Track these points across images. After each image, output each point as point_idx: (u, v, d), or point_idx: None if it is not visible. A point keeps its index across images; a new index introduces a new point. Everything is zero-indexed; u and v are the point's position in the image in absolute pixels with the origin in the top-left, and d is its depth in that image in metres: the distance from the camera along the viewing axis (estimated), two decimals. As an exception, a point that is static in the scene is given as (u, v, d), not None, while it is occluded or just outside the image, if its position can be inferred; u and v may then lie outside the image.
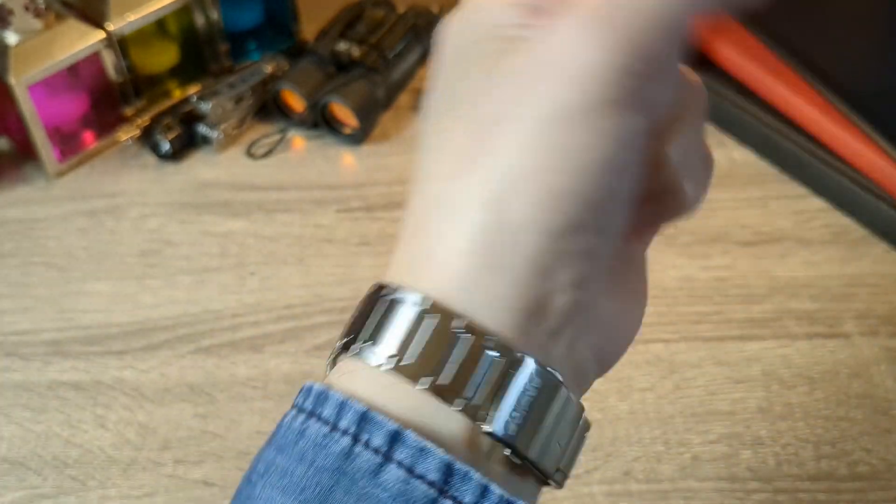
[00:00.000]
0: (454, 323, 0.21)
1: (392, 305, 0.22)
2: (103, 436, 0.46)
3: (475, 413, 0.21)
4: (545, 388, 0.22)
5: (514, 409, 0.21)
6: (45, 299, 0.52)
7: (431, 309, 0.22)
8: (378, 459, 0.20)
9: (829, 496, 0.43)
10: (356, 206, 0.58)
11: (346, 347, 0.23)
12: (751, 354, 0.49)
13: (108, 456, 0.45)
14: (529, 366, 0.22)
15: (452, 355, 0.21)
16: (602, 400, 0.47)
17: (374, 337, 0.22)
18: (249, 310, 0.52)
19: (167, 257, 0.55)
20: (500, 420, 0.21)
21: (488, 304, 0.22)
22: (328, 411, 0.21)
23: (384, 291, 0.23)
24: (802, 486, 0.43)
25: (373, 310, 0.23)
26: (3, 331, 0.51)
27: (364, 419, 0.21)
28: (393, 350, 0.22)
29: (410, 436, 0.20)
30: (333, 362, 0.24)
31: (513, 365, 0.21)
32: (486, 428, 0.21)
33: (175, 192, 0.59)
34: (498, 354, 0.21)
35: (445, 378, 0.21)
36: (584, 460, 0.44)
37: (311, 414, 0.22)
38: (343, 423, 0.21)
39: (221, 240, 0.56)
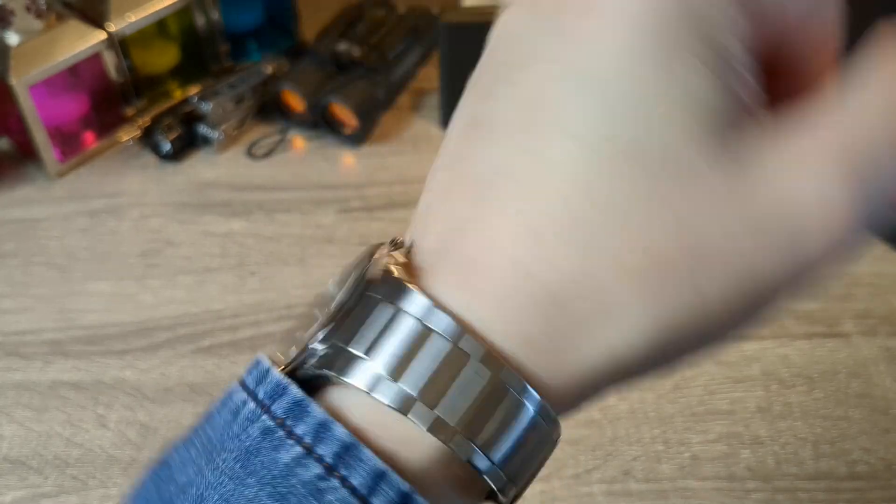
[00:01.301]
0: (503, 375, 0.19)
1: (405, 321, 0.19)
2: (104, 435, 0.46)
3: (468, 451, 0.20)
4: (546, 441, 0.22)
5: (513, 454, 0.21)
6: (46, 299, 0.53)
7: (484, 360, 0.19)
8: None
9: (828, 495, 0.43)
10: (356, 206, 0.58)
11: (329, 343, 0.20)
12: (750, 354, 0.49)
13: (110, 455, 0.46)
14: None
15: (495, 415, 0.20)
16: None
17: (371, 350, 0.19)
18: (250, 310, 0.52)
19: (168, 257, 0.55)
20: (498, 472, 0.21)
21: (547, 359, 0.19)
22: (302, 428, 0.20)
23: (394, 292, 0.19)
24: (801, 485, 0.43)
25: (371, 312, 0.20)
26: (5, 330, 0.51)
27: (351, 455, 0.19)
28: (412, 391, 0.19)
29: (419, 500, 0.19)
30: (303, 352, 0.21)
31: (520, 409, 0.20)
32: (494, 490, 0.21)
33: (176, 193, 0.59)
34: (535, 414, 0.20)
35: (483, 441, 0.20)
36: (584, 460, 0.44)
37: (282, 425, 0.20)
38: (323, 453, 0.19)
39: (222, 240, 0.56)
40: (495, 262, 0.19)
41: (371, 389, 0.19)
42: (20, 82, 0.55)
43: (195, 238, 0.56)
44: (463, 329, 0.19)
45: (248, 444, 0.20)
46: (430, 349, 0.19)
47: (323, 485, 0.19)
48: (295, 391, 0.20)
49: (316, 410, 0.20)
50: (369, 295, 0.20)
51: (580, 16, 0.19)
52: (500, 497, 0.22)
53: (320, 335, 0.20)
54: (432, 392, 0.19)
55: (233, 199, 0.58)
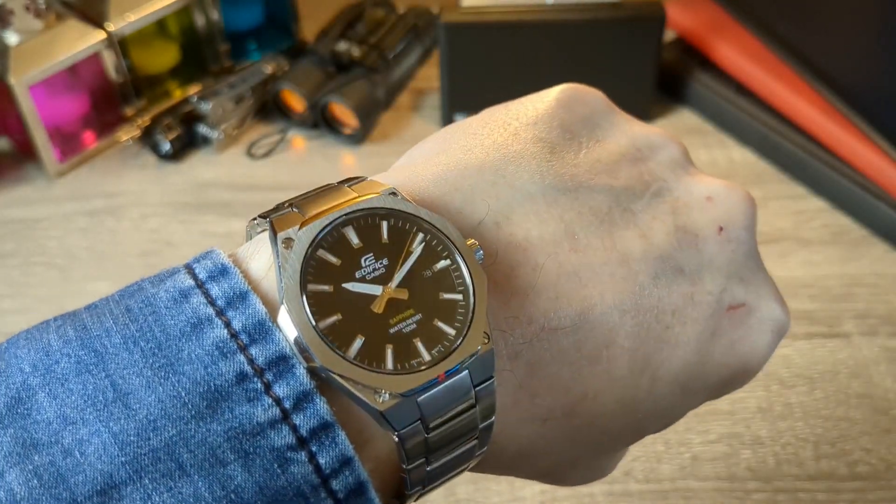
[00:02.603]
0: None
1: None
2: (104, 436, 0.46)
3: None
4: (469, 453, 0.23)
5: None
6: (45, 299, 0.53)
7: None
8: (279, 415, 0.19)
9: (828, 496, 0.43)
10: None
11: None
12: (750, 354, 0.49)
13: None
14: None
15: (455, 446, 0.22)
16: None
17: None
18: (250, 310, 0.52)
19: (168, 257, 0.55)
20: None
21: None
22: (283, 389, 0.19)
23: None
24: (802, 485, 0.43)
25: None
26: (4, 331, 0.51)
27: (327, 435, 0.19)
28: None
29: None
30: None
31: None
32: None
33: (175, 193, 0.59)
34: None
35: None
36: (583, 460, 0.44)
37: (260, 376, 0.20)
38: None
39: (222, 240, 0.56)
40: (549, 403, 0.24)
41: (405, 443, 0.20)
42: (20, 82, 0.55)
43: (195, 238, 0.56)
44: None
45: (217, 382, 0.19)
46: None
47: (291, 455, 0.19)
48: (280, 341, 0.20)
49: (302, 376, 0.20)
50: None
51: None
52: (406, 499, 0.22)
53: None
54: (436, 455, 0.21)
55: (233, 199, 0.58)
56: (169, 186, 0.59)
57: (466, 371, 0.21)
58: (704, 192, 0.27)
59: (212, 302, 0.20)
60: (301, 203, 0.22)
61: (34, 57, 0.56)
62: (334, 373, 0.20)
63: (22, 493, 0.18)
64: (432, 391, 0.21)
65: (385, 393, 0.20)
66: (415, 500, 0.23)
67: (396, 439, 0.20)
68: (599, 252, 0.24)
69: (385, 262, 0.22)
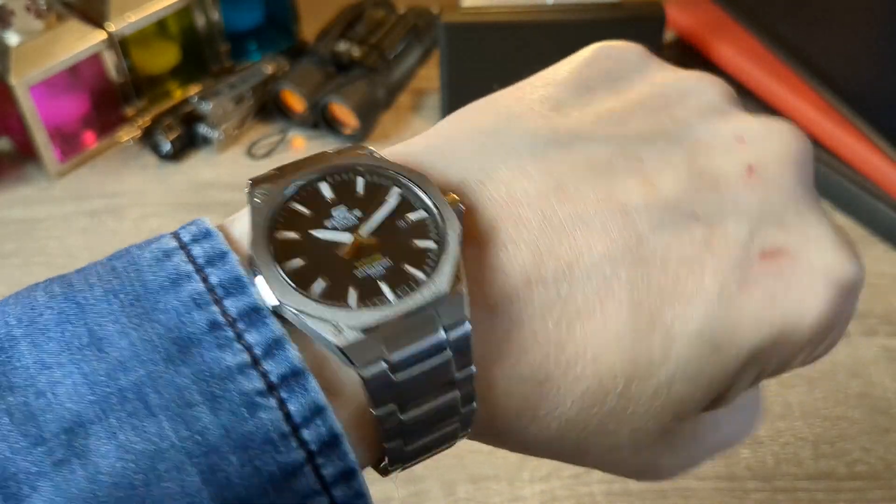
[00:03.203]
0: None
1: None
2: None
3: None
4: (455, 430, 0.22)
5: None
6: (46, 299, 0.53)
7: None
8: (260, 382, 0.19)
9: (827, 495, 0.43)
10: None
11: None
12: (750, 354, 0.49)
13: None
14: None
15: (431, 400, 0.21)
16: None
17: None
18: (250, 309, 0.52)
19: (168, 257, 0.55)
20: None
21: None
22: (254, 336, 0.19)
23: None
24: (801, 485, 0.43)
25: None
26: (5, 331, 0.51)
27: (297, 381, 0.19)
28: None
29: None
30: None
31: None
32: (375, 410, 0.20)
33: (176, 193, 0.59)
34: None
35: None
36: (583, 460, 0.44)
37: (232, 325, 0.19)
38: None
39: (222, 240, 0.56)
40: (539, 358, 0.22)
41: (369, 383, 0.19)
42: (20, 82, 0.55)
43: (195, 238, 0.56)
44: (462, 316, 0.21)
45: (190, 329, 0.19)
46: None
47: (259, 400, 0.19)
48: (253, 293, 0.20)
49: (274, 324, 0.19)
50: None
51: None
52: (388, 464, 0.22)
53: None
54: (410, 405, 0.20)
55: (233, 199, 0.58)
56: (169, 186, 0.59)
57: (434, 311, 0.20)
58: (735, 132, 0.24)
59: (192, 260, 0.20)
60: (285, 166, 0.23)
61: (35, 57, 0.56)
62: (293, 307, 0.19)
63: None
64: (395, 326, 0.20)
65: (345, 328, 0.19)
66: (400, 467, 0.22)
67: (360, 379, 0.19)
68: (591, 202, 0.22)
69: (357, 213, 0.22)
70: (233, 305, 0.20)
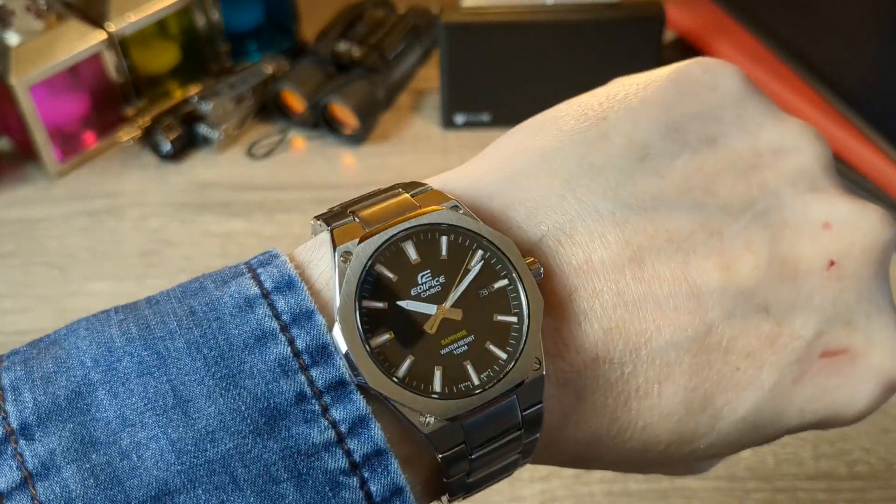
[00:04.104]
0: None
1: None
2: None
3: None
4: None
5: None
6: (46, 299, 0.53)
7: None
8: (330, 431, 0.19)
9: (827, 495, 0.43)
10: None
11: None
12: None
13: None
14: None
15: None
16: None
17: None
18: (250, 310, 0.52)
19: (168, 257, 0.55)
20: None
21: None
22: (340, 412, 0.19)
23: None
24: (801, 485, 0.43)
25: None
26: (5, 330, 0.51)
27: (379, 461, 0.19)
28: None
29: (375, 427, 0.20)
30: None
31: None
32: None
33: (176, 193, 0.59)
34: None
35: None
36: (583, 460, 0.44)
37: (318, 398, 0.20)
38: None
39: (222, 240, 0.56)
40: (594, 428, 0.23)
41: (446, 465, 0.20)
42: (20, 82, 0.55)
43: (195, 238, 0.56)
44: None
45: (277, 400, 0.19)
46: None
47: (343, 479, 0.19)
48: (341, 368, 0.20)
49: (359, 401, 0.20)
50: None
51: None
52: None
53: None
54: (478, 471, 0.21)
55: (233, 199, 0.58)
56: (169, 186, 0.59)
57: (515, 396, 0.21)
58: (823, 216, 0.23)
59: (277, 316, 0.20)
60: (362, 212, 0.22)
61: (35, 57, 0.56)
62: (380, 392, 0.20)
63: (77, 491, 0.18)
64: (478, 416, 0.20)
65: (430, 417, 0.20)
66: (460, 500, 0.23)
67: (440, 459, 0.20)
68: (667, 282, 0.22)
69: (442, 279, 0.21)
70: (319, 377, 0.20)
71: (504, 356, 0.21)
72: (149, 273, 0.54)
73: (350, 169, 0.61)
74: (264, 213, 0.57)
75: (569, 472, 0.44)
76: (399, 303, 0.21)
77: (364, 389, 0.20)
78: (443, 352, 0.21)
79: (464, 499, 0.23)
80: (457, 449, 0.20)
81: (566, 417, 0.22)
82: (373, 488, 0.19)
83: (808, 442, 0.45)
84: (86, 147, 0.61)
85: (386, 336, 0.20)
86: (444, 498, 0.22)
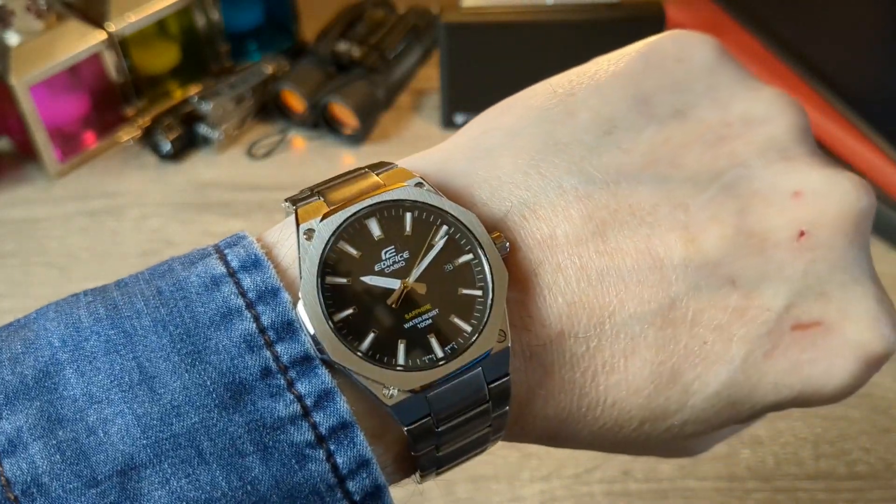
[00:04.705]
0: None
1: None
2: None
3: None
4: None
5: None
6: (46, 299, 0.52)
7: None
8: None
9: (827, 495, 0.43)
10: (356, 206, 0.58)
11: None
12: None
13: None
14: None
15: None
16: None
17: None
18: (250, 309, 0.52)
19: (168, 257, 0.55)
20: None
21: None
22: (305, 386, 0.20)
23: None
24: (801, 485, 0.43)
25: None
26: (5, 331, 0.51)
27: (345, 434, 0.20)
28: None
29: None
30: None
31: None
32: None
33: (176, 193, 0.59)
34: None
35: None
36: (583, 459, 0.44)
37: (284, 373, 0.20)
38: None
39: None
40: (564, 404, 0.23)
41: (412, 436, 0.21)
42: (20, 82, 0.55)
43: (195, 238, 0.56)
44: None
45: (242, 375, 0.19)
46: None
47: (309, 452, 0.19)
48: (305, 342, 0.20)
49: (324, 375, 0.20)
50: None
51: None
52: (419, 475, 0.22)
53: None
54: (447, 444, 0.21)
55: (233, 199, 0.58)
56: (169, 186, 0.59)
57: (479, 368, 0.21)
58: (794, 185, 0.23)
59: (243, 293, 0.20)
60: (327, 191, 0.22)
61: (35, 57, 0.56)
62: (343, 365, 0.20)
63: (44, 467, 0.18)
64: (442, 388, 0.21)
65: (393, 388, 0.20)
66: (433, 477, 0.23)
67: (405, 432, 0.20)
68: (630, 256, 0.22)
69: (406, 254, 0.22)
70: (285, 352, 0.20)
71: (468, 329, 0.21)
72: (149, 273, 0.54)
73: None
74: (264, 213, 0.57)
75: (569, 471, 0.44)
76: (362, 278, 0.21)
77: (329, 364, 0.20)
78: (406, 325, 0.21)
79: (436, 475, 0.23)
80: (422, 421, 0.20)
81: (533, 392, 0.22)
82: (339, 460, 0.19)
83: (808, 442, 0.45)
84: (86, 147, 0.61)
85: (349, 311, 0.21)
86: (417, 475, 0.22)
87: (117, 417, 0.18)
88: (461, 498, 0.43)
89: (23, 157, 0.61)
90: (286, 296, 0.20)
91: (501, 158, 0.23)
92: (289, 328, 0.20)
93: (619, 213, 0.22)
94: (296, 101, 0.62)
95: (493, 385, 0.21)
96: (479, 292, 0.22)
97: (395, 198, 0.22)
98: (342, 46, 0.63)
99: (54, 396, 0.18)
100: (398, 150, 0.62)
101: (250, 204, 0.58)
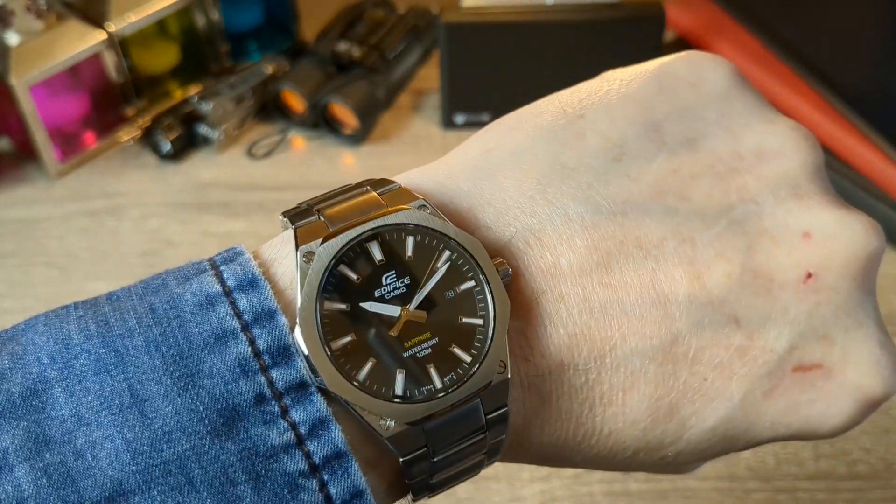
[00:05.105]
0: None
1: None
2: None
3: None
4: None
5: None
6: (46, 299, 0.53)
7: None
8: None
9: (827, 495, 0.43)
10: (356, 206, 0.58)
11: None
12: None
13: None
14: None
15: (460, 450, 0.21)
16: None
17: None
18: (250, 310, 0.52)
19: (168, 257, 0.55)
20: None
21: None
22: (299, 414, 0.19)
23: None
24: (801, 485, 0.43)
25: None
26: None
27: (341, 466, 0.19)
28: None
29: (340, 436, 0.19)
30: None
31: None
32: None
33: (176, 193, 0.59)
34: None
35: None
36: (583, 460, 0.44)
37: (278, 399, 0.19)
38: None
39: (222, 240, 0.56)
40: (559, 433, 0.22)
41: (407, 468, 0.20)
42: (20, 82, 0.55)
43: (195, 238, 0.56)
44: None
45: (236, 400, 0.19)
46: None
47: (302, 482, 0.19)
48: (301, 369, 0.20)
49: (319, 403, 0.19)
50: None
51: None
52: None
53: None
54: (442, 470, 0.21)
55: (233, 200, 0.58)
56: (169, 186, 0.59)
57: (479, 399, 0.21)
58: (804, 225, 0.22)
59: (238, 315, 0.20)
60: (328, 210, 0.22)
61: (35, 57, 0.56)
62: (340, 396, 0.19)
63: (29, 491, 0.17)
64: (440, 420, 0.20)
65: (390, 420, 0.20)
66: (426, 499, 0.23)
67: (401, 462, 0.20)
68: (634, 290, 0.21)
69: (407, 280, 0.21)
70: (280, 378, 0.19)
71: (468, 359, 0.21)
72: (149, 273, 0.53)
73: (350, 169, 0.61)
74: (264, 213, 0.57)
75: (569, 471, 0.44)
76: (362, 304, 0.21)
77: (324, 391, 0.19)
78: (405, 354, 0.20)
79: (429, 497, 0.22)
80: (419, 452, 0.20)
81: (530, 420, 0.22)
82: (332, 491, 0.19)
83: (808, 442, 0.45)
84: (86, 147, 0.61)
85: (347, 338, 0.20)
86: (409, 497, 0.22)
87: (106, 441, 0.18)
88: (461, 498, 0.43)
89: (23, 157, 0.61)
90: (283, 319, 0.20)
91: (507, 180, 0.23)
92: (284, 353, 0.20)
93: (624, 245, 0.22)
94: (296, 101, 0.62)
95: (490, 415, 0.21)
96: (480, 321, 0.21)
97: (398, 221, 0.21)
98: (342, 46, 0.63)
99: (42, 416, 0.18)
100: (398, 150, 0.62)
101: (250, 204, 0.58)
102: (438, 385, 0.20)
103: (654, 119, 0.23)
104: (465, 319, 0.21)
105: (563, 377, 0.22)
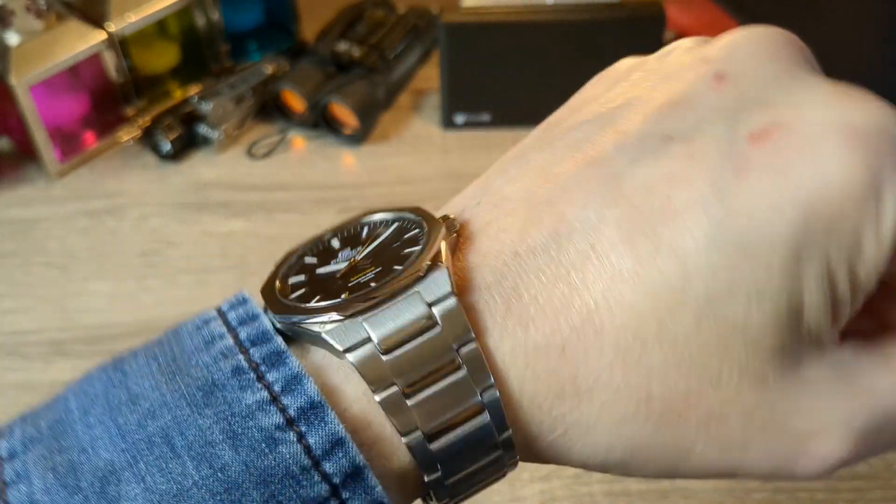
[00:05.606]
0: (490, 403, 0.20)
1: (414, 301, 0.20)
2: (104, 435, 0.46)
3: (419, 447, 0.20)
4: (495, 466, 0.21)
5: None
6: (46, 299, 0.53)
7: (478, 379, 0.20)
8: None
9: (827, 495, 0.43)
10: (356, 206, 0.58)
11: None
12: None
13: (109, 455, 0.46)
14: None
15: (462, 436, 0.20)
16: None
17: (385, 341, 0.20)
18: (250, 309, 0.52)
19: (168, 257, 0.55)
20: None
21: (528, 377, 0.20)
22: (274, 375, 0.20)
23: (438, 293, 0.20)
24: (801, 485, 0.43)
25: (405, 304, 0.20)
26: (5, 330, 0.51)
27: (315, 414, 0.19)
28: (397, 383, 0.20)
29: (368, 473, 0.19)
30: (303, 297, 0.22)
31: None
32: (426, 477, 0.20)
33: (176, 193, 0.59)
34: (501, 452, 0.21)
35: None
36: (583, 460, 0.44)
37: (255, 369, 0.20)
38: (287, 403, 0.20)
39: (222, 240, 0.56)
40: (549, 322, 0.20)
41: (360, 366, 0.20)
42: (20, 82, 0.55)
43: (195, 238, 0.56)
44: (483, 360, 0.20)
45: (216, 376, 0.20)
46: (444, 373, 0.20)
47: (279, 435, 0.19)
48: (278, 342, 0.21)
49: (293, 363, 0.20)
50: (408, 286, 0.21)
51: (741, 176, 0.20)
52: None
53: (331, 310, 0.21)
54: (415, 387, 0.20)
55: (233, 200, 0.58)
56: (169, 186, 0.59)
57: (418, 293, 0.20)
58: (700, 56, 0.22)
59: (226, 322, 0.21)
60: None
61: (35, 57, 0.56)
62: (288, 319, 0.21)
63: (38, 485, 0.19)
64: (376, 310, 0.20)
65: (329, 315, 0.20)
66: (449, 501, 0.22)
67: (351, 362, 0.20)
68: (570, 170, 0.21)
69: (360, 248, 0.23)
70: (257, 352, 0.20)
71: (401, 267, 0.21)
72: (149, 273, 0.54)
73: (350, 169, 0.61)
74: (264, 213, 0.57)
75: (569, 471, 0.44)
76: (317, 270, 0.23)
77: (283, 334, 0.21)
78: (350, 283, 0.22)
79: (451, 496, 0.22)
80: (363, 346, 0.20)
81: (506, 322, 0.20)
82: (311, 441, 0.19)
83: (808, 442, 0.45)
84: (86, 147, 0.61)
85: (301, 291, 0.22)
86: (390, 421, 0.21)
87: (104, 433, 0.19)
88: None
89: (23, 157, 0.61)
90: (266, 319, 0.21)
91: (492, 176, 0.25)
92: (264, 336, 0.21)
93: (556, 153, 0.22)
94: (296, 101, 0.62)
95: (436, 306, 0.20)
96: (419, 247, 0.22)
97: (355, 216, 0.25)
98: (342, 46, 0.63)
99: (58, 432, 0.20)
100: (398, 150, 0.62)
101: (250, 204, 0.58)
102: (373, 286, 0.21)
103: (665, 124, 0.22)
104: (406, 250, 0.22)
105: (521, 264, 0.21)
